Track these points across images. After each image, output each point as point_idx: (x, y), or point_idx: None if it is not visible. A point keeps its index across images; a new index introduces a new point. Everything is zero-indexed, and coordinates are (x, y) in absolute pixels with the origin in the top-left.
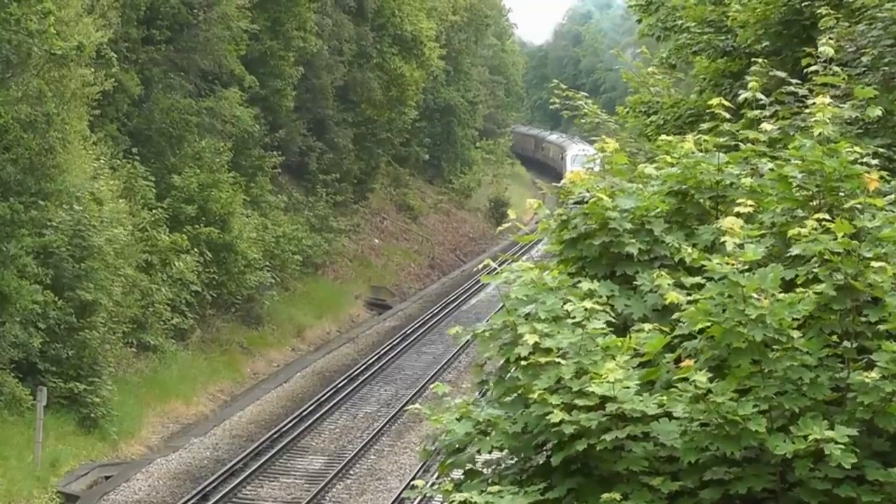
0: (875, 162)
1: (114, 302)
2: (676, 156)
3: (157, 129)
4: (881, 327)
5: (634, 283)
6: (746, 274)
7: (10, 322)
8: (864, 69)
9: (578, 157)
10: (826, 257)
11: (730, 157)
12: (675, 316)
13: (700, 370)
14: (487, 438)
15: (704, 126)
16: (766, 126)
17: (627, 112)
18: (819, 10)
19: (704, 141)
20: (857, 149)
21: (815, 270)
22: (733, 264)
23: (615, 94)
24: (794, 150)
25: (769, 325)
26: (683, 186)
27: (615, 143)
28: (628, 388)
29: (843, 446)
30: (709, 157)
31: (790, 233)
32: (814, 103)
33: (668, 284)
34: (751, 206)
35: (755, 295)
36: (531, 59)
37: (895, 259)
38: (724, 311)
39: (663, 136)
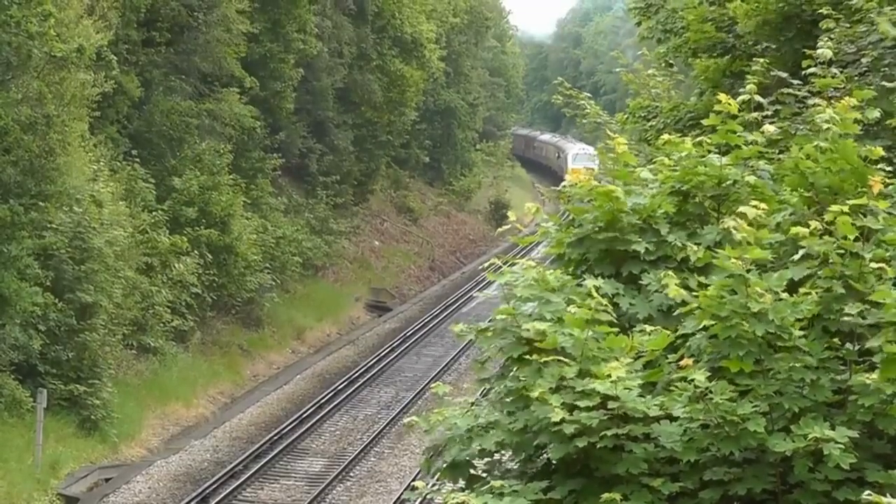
0: (890, 168)
1: (114, 304)
2: (675, 158)
3: (157, 131)
4: (881, 327)
5: (640, 282)
6: (753, 272)
7: (10, 324)
8: (864, 70)
9: (580, 155)
10: (830, 259)
11: (730, 157)
12: (679, 311)
13: (700, 370)
14: (490, 434)
15: (706, 122)
16: (769, 128)
17: (627, 118)
18: (820, 10)
19: (706, 142)
20: (879, 150)
21: (818, 273)
22: (740, 260)
23: (615, 96)
24: (809, 148)
25: (771, 321)
26: (684, 187)
27: (624, 143)
28: (630, 389)
29: (842, 446)
30: (708, 159)
31: (791, 231)
32: (815, 104)
33: (676, 284)
34: (763, 209)
35: (759, 290)
36: (531, 60)
37: None
38: (726, 305)
39: (665, 136)
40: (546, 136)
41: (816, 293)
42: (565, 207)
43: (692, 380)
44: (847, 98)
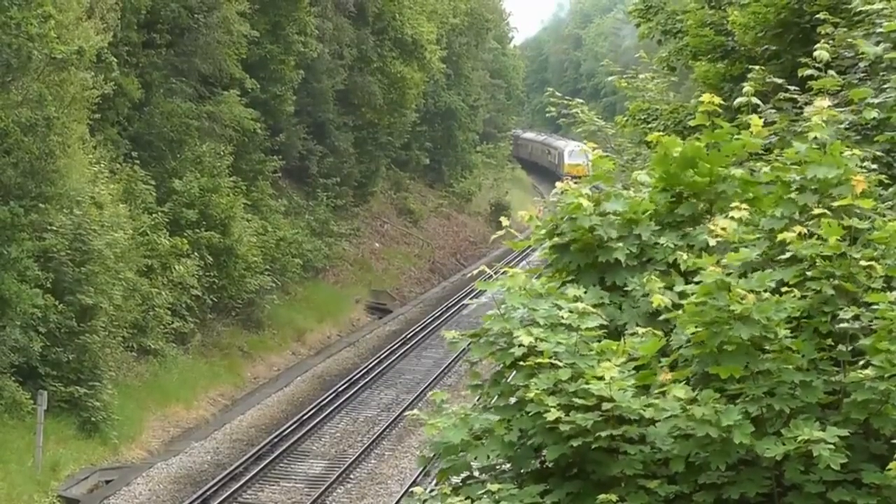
0: (874, 167)
1: (114, 306)
2: (668, 158)
3: (158, 133)
4: (874, 325)
5: (625, 289)
6: (733, 275)
7: (10, 326)
8: (862, 75)
9: (575, 152)
10: (816, 262)
11: (720, 155)
12: (664, 317)
13: (682, 381)
14: (483, 445)
15: (692, 123)
16: (755, 121)
17: (626, 121)
18: (818, 15)
19: (697, 143)
20: (856, 151)
21: (807, 273)
22: (718, 267)
23: (615, 98)
24: (791, 153)
25: (756, 322)
26: (676, 188)
27: (595, 146)
28: (624, 390)
29: (832, 446)
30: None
31: (779, 237)
32: (807, 103)
33: (659, 288)
34: (745, 209)
35: (741, 291)
36: (532, 62)
37: (887, 261)
38: (709, 311)
39: (656, 133)
40: (531, 134)
41: (803, 294)
42: (546, 219)
43: (673, 394)
44: (822, 99)
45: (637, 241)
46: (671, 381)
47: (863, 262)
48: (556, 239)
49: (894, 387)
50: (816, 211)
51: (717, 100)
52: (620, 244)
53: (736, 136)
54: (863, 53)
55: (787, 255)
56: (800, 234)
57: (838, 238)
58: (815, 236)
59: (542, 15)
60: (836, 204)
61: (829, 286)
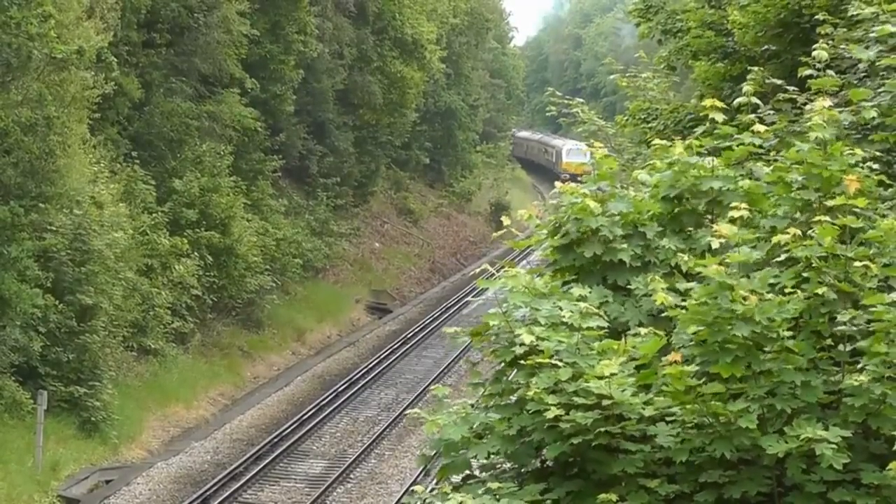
0: (876, 166)
1: (114, 306)
2: (668, 161)
3: (158, 132)
4: (871, 327)
5: (629, 287)
6: (734, 275)
7: (10, 326)
8: (862, 75)
9: (573, 150)
10: (813, 263)
11: (722, 159)
12: (667, 314)
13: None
14: (483, 442)
15: (699, 130)
16: (759, 127)
17: (627, 120)
18: (817, 16)
19: (696, 143)
20: (858, 151)
21: (804, 275)
22: (721, 267)
23: (616, 97)
24: (792, 153)
25: (758, 322)
26: (676, 191)
27: (604, 148)
28: (624, 388)
29: (834, 446)
30: (701, 161)
31: (774, 239)
32: (806, 103)
33: (662, 289)
34: (745, 209)
35: (743, 292)
36: (532, 62)
37: (882, 259)
38: (712, 311)
39: (656, 140)
40: (527, 133)
41: (803, 294)
42: (549, 218)
43: (682, 373)
44: (822, 99)
45: (641, 241)
46: (681, 362)
47: (857, 263)
48: (559, 238)
49: (890, 390)
50: (819, 215)
51: (720, 104)
52: (625, 245)
53: (735, 137)
54: (870, 47)
55: (784, 256)
56: (794, 235)
57: (833, 239)
58: (811, 237)
59: (544, 11)
60: (831, 203)
61: (826, 287)
